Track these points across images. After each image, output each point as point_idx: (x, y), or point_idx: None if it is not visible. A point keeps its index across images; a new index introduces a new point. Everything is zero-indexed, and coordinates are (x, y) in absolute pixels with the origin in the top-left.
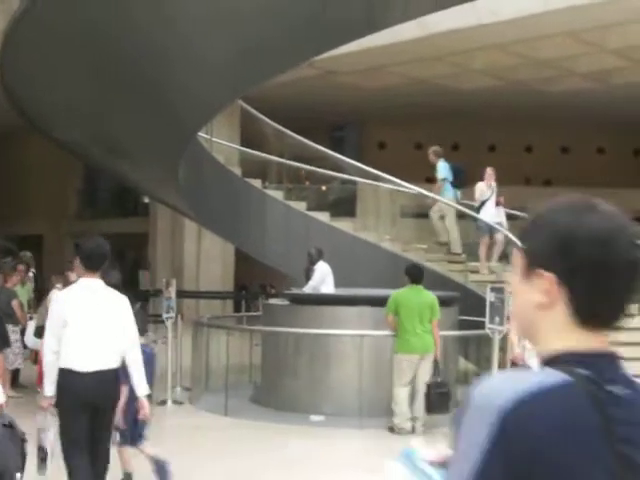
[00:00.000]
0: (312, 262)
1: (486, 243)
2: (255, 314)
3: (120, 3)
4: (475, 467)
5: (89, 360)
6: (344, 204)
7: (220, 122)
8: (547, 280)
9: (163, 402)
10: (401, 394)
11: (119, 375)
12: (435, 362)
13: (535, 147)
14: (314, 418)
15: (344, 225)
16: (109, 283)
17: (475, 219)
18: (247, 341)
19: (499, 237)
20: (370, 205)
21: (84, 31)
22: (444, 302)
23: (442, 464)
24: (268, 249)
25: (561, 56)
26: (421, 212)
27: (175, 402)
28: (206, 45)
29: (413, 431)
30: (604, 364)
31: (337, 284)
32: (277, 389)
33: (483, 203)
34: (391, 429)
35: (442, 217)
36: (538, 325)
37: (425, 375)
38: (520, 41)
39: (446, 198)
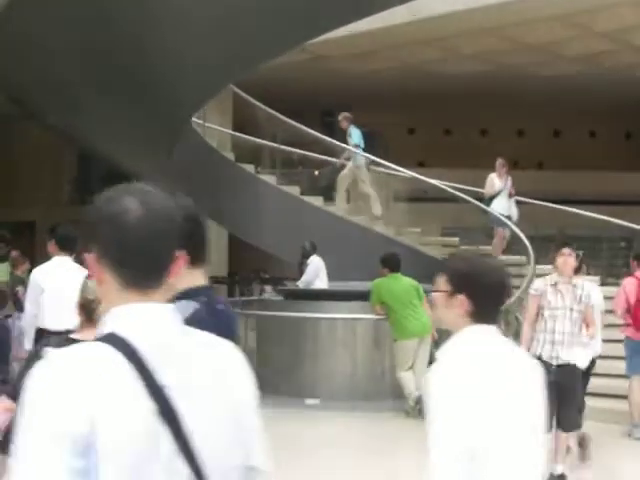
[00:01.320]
0: (305, 256)
1: (501, 236)
2: (249, 299)
3: None
4: None
5: (61, 321)
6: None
7: (212, 107)
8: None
9: None
10: (407, 376)
11: None
12: (434, 342)
13: (527, 131)
14: (309, 402)
15: (337, 209)
16: None
17: (485, 211)
18: (242, 326)
19: (506, 232)
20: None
21: (74, 13)
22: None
23: None
24: (261, 234)
25: (551, 40)
26: (414, 196)
27: None
28: (198, 31)
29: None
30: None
31: (330, 268)
32: (272, 374)
33: (495, 195)
34: (407, 413)
35: (354, 181)
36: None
37: (424, 357)
38: (510, 25)
39: (357, 164)
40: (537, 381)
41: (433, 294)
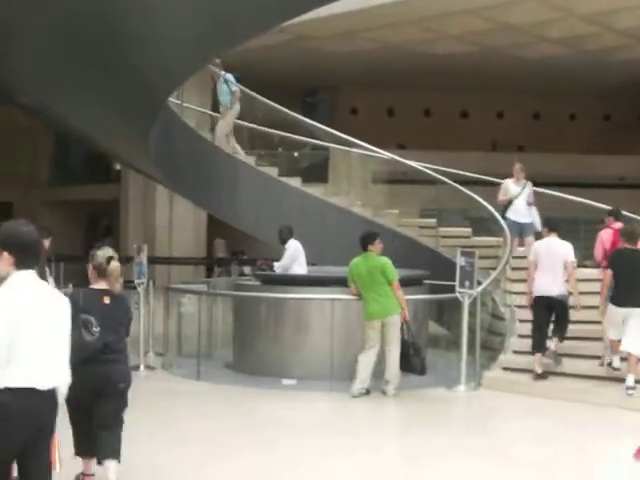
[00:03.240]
0: (282, 241)
1: (516, 245)
2: (228, 279)
3: None
4: None
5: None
6: (316, 170)
7: (191, 87)
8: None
9: (136, 367)
10: (362, 361)
11: None
12: (405, 323)
13: (507, 113)
14: (286, 382)
15: (316, 190)
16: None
17: (501, 219)
18: (219, 307)
19: (529, 239)
20: (342, 171)
21: None
22: (409, 282)
23: None
24: (240, 215)
25: (533, 21)
26: (393, 178)
27: (147, 367)
28: (172, 9)
29: (366, 394)
30: None
31: (308, 250)
32: (249, 354)
33: (511, 202)
34: (353, 395)
35: (228, 135)
36: None
37: (392, 339)
38: (492, 6)
39: (234, 111)
40: (61, 308)
41: None
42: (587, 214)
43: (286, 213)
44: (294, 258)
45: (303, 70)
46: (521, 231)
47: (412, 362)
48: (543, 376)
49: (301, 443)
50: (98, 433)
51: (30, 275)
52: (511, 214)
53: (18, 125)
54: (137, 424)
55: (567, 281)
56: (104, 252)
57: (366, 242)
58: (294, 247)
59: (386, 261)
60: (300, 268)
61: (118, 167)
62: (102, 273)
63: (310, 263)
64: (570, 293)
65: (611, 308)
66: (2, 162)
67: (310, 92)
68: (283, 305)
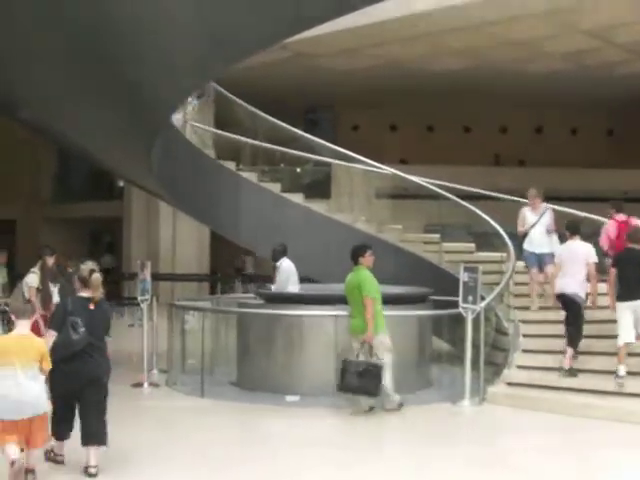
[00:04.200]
0: (275, 259)
1: (535, 277)
2: (231, 296)
3: None
4: None
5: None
6: (318, 186)
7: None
8: None
9: (139, 384)
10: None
11: None
12: (363, 343)
13: (509, 128)
14: (289, 398)
15: (318, 206)
16: (102, 267)
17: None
18: (223, 323)
19: (549, 270)
20: (344, 186)
21: (50, 8)
22: (410, 300)
23: None
24: (242, 231)
25: (535, 37)
26: (396, 193)
27: (151, 384)
28: (174, 26)
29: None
30: None
31: (311, 265)
32: (253, 371)
33: (528, 231)
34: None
35: None
36: None
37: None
38: (493, 22)
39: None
40: None
41: None
42: (589, 228)
43: (289, 229)
44: (288, 278)
45: (305, 87)
46: (539, 262)
47: (348, 381)
48: (572, 373)
49: (303, 457)
50: (85, 420)
51: None
52: (527, 245)
53: (21, 145)
54: (140, 438)
55: (588, 281)
56: (87, 266)
57: (357, 255)
58: (287, 267)
59: (366, 276)
60: (293, 287)
61: (121, 184)
62: (86, 283)
63: (305, 279)
64: (589, 294)
65: (619, 307)
66: (5, 179)
67: (312, 109)
68: (286, 322)
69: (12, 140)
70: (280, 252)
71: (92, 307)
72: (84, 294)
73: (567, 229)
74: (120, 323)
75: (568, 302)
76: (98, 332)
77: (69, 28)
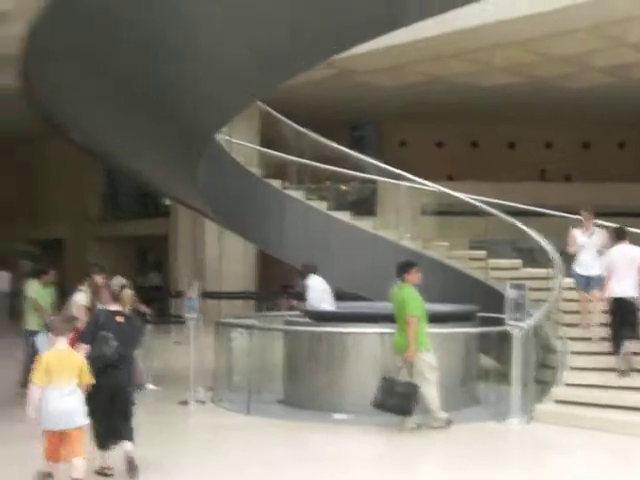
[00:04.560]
0: (302, 277)
1: (583, 298)
2: (277, 314)
3: (139, 4)
4: None
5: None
6: (365, 203)
7: (239, 123)
8: None
9: (185, 402)
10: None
11: None
12: (405, 361)
13: (555, 143)
14: (337, 416)
15: (365, 224)
16: (150, 284)
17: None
18: (270, 341)
19: (596, 294)
20: (390, 203)
21: (102, 33)
22: (457, 318)
23: None
24: (288, 249)
25: (580, 51)
26: (442, 210)
27: (197, 402)
28: (223, 46)
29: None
30: None
31: (357, 282)
32: (300, 389)
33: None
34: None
35: None
36: None
37: (416, 374)
38: (538, 37)
39: None
40: None
41: None
42: (638, 242)
43: (335, 247)
44: (319, 296)
45: (350, 104)
46: (587, 284)
47: (382, 399)
48: (625, 373)
49: (350, 477)
50: (117, 423)
51: None
52: (576, 267)
53: (70, 165)
54: (186, 455)
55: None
56: (118, 281)
57: (402, 271)
58: (315, 285)
59: (410, 293)
60: (327, 305)
61: (167, 202)
62: (116, 298)
63: (352, 297)
64: None
65: None
66: (54, 200)
67: (357, 126)
68: (334, 340)
69: (61, 161)
70: (307, 269)
71: (122, 320)
72: (113, 308)
73: (613, 233)
74: (167, 341)
75: (626, 305)
76: (127, 345)
77: (124, 57)
